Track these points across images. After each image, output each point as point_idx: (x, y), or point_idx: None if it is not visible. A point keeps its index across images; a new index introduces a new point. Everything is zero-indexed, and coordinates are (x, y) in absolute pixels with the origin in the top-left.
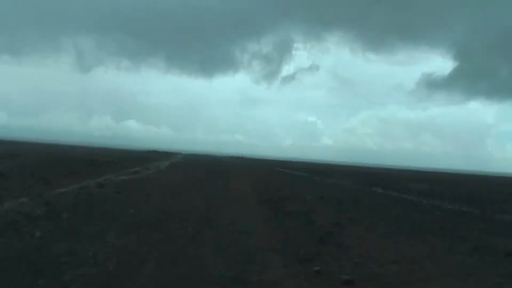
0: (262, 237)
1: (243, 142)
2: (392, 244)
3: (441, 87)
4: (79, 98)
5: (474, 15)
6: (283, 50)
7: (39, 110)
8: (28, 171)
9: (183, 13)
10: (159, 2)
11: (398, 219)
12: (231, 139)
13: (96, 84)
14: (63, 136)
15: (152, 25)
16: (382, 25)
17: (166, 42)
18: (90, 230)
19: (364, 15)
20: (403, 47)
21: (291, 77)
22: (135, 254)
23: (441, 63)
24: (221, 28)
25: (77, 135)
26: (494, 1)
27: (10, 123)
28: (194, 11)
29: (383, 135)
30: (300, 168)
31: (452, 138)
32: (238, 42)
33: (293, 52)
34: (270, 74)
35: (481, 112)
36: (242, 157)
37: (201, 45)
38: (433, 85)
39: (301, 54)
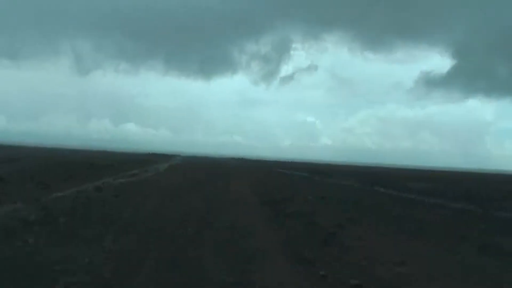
0: (263, 238)
1: (242, 143)
2: (396, 244)
3: (440, 85)
4: (78, 101)
5: (472, 13)
6: (281, 50)
7: (38, 114)
8: (27, 175)
9: (180, 14)
10: (156, 4)
11: (400, 219)
12: (230, 141)
13: (95, 87)
14: (62, 140)
15: (149, 27)
16: (380, 24)
17: (164, 44)
18: (87, 235)
19: (362, 14)
20: (401, 46)
21: (289, 78)
22: (132, 260)
23: (439, 61)
24: (219, 29)
25: (76, 138)
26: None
27: (9, 128)
28: (191, 13)
29: (382, 134)
30: (300, 168)
31: (450, 136)
32: (236, 43)
33: (292, 52)
34: (269, 75)
35: (479, 109)
36: (241, 159)
37: (199, 47)
38: (431, 83)
39: (300, 54)
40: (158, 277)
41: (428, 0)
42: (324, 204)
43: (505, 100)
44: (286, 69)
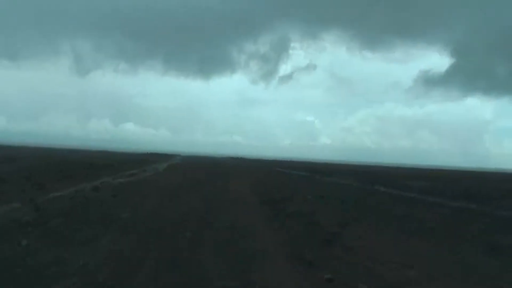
0: (263, 239)
1: (241, 143)
2: (400, 245)
3: (439, 84)
4: (78, 101)
5: (471, 12)
6: (280, 50)
7: (37, 114)
8: (25, 175)
9: (180, 15)
10: (156, 4)
11: (401, 218)
12: (229, 140)
13: (94, 87)
14: (62, 140)
15: (149, 27)
16: (379, 23)
17: (163, 44)
18: (83, 236)
19: (361, 13)
20: (400, 45)
21: (288, 77)
22: (129, 263)
23: (438, 60)
24: (218, 29)
25: (75, 138)
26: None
27: (9, 128)
28: (190, 13)
29: (380, 133)
30: (299, 167)
31: (449, 135)
32: (235, 42)
33: (290, 51)
34: (268, 74)
35: (478, 108)
36: (240, 158)
37: (198, 47)
38: (430, 82)
39: (298, 54)
40: (157, 280)
41: None
42: (324, 204)
43: (504, 99)
44: (285, 69)
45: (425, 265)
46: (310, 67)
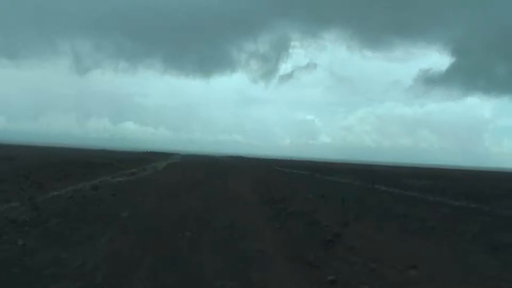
0: (264, 239)
1: (241, 142)
2: (403, 245)
3: (439, 83)
4: (77, 100)
5: (472, 11)
6: (280, 49)
7: (37, 113)
8: (24, 174)
9: (179, 13)
10: (155, 3)
11: (403, 217)
12: (229, 139)
13: (94, 86)
14: (61, 139)
15: (148, 26)
16: (379, 22)
17: (162, 43)
18: (81, 236)
19: (361, 12)
20: (400, 44)
21: (288, 76)
22: (127, 263)
23: (438, 59)
24: (218, 28)
25: (75, 137)
26: None
27: (8, 127)
28: (190, 11)
29: (381, 132)
30: (299, 166)
31: (449, 134)
32: (235, 41)
33: (290, 50)
34: (268, 73)
35: (478, 107)
36: (240, 157)
37: (198, 46)
38: (430, 81)
39: (298, 53)
40: (155, 280)
41: None
42: (325, 203)
43: (504, 98)
44: (285, 68)
45: (428, 265)
46: (311, 66)
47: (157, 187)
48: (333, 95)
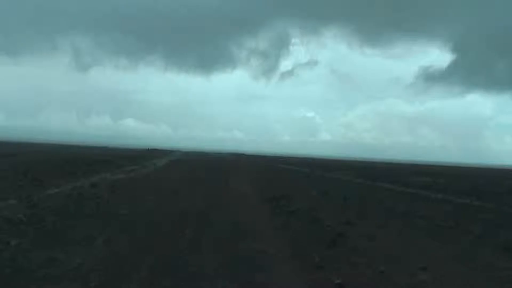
0: (266, 240)
1: (242, 139)
2: (411, 245)
3: (439, 80)
4: (77, 97)
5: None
6: (281, 46)
7: (37, 110)
8: (23, 171)
9: (180, 10)
10: (156, 1)
11: (408, 216)
12: (230, 136)
13: (94, 83)
14: (61, 136)
15: (149, 23)
16: (379, 19)
17: (163, 40)
18: (78, 235)
19: (361, 9)
20: (400, 41)
21: (289, 73)
22: (126, 264)
23: (438, 56)
24: (218, 25)
25: (75, 134)
26: None
27: (8, 124)
28: (191, 8)
29: (381, 129)
30: (300, 163)
31: (450, 131)
32: (236, 38)
33: (291, 47)
34: (268, 70)
35: (479, 104)
36: (241, 154)
37: (199, 43)
38: (431, 78)
39: (299, 50)
40: (155, 281)
41: None
42: (328, 201)
43: (505, 95)
44: (285, 65)
45: (437, 266)
46: (311, 63)
47: (157, 185)
48: (334, 92)
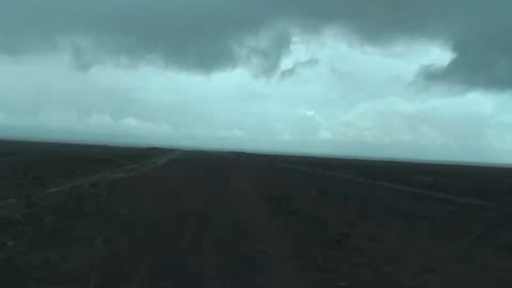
0: (267, 240)
1: (242, 138)
2: (414, 245)
3: (440, 79)
4: (78, 96)
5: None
6: (281, 44)
7: (37, 109)
8: (23, 170)
9: (180, 9)
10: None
11: (410, 215)
12: (230, 135)
13: (95, 82)
14: (62, 135)
15: (149, 21)
16: (379, 18)
17: (164, 38)
18: (76, 236)
19: (362, 7)
20: (401, 39)
21: (289, 71)
22: (125, 264)
23: (439, 55)
24: (219, 24)
25: (75, 133)
26: None
27: (8, 123)
28: (191, 7)
29: (382, 128)
30: (300, 162)
31: (451, 130)
32: (236, 37)
33: (291, 46)
34: (269, 69)
35: (480, 103)
36: (241, 153)
37: (199, 41)
38: (431, 77)
39: (299, 48)
40: (154, 283)
41: None
42: (329, 200)
43: (506, 94)
44: (286, 63)
45: (443, 268)
46: (312, 62)
47: (157, 184)
48: (334, 91)
